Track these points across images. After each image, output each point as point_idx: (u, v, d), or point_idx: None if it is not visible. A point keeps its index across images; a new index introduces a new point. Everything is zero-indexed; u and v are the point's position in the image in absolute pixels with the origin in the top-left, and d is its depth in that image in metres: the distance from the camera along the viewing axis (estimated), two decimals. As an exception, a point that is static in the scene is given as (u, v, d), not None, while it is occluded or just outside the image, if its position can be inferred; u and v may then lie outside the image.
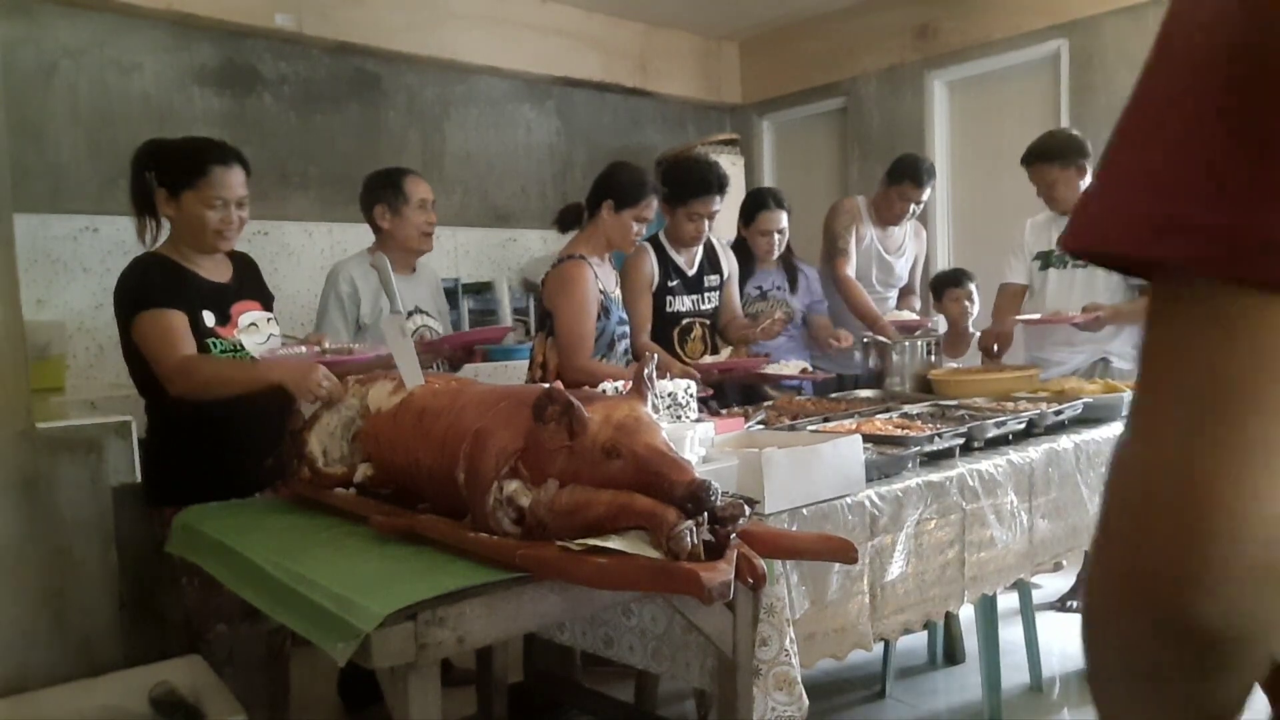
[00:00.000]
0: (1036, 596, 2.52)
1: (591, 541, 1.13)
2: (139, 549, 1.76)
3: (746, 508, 1.17)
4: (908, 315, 3.10)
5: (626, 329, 2.56)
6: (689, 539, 1.09)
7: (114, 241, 3.25)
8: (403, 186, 2.46)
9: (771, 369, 2.73)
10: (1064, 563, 2.94)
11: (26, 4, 3.14)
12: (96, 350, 3.26)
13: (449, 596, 1.07)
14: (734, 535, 1.15)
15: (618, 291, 2.55)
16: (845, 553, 1.27)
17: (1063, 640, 2.63)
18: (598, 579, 1.10)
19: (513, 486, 1.20)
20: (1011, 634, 2.46)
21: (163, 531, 1.69)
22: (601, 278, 2.45)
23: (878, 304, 3.19)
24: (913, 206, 3.24)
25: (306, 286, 3.60)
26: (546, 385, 1.20)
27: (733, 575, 1.10)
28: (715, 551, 1.11)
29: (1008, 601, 2.41)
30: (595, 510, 1.14)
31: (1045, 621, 2.59)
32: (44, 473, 1.56)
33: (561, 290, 2.39)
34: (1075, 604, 3.05)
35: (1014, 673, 2.39)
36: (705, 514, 1.11)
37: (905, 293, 3.44)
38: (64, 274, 3.22)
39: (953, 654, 2.68)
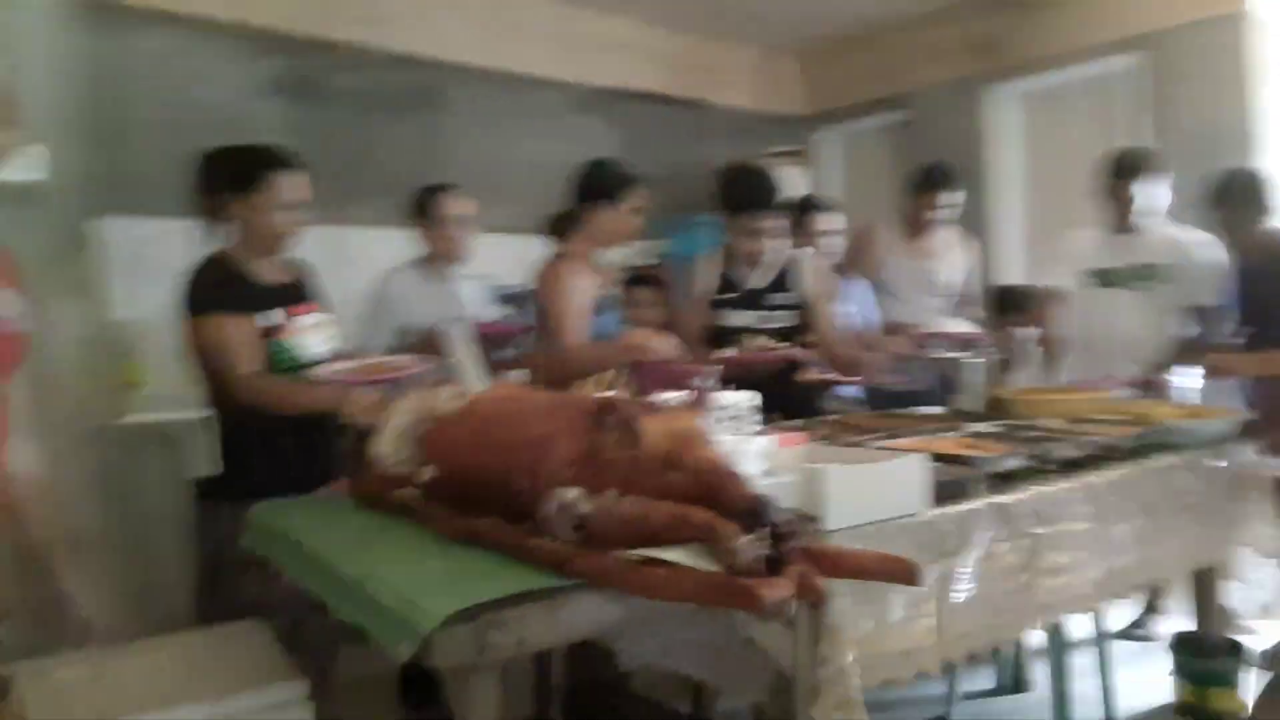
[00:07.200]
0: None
1: (649, 552, 1.12)
2: (215, 541, 1.82)
3: (807, 524, 1.15)
4: (962, 326, 2.92)
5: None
6: (747, 554, 1.08)
7: (193, 243, 3.38)
8: (435, 205, 2.48)
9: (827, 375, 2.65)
10: (1146, 595, 2.84)
11: (111, 18, 3.30)
12: (175, 349, 3.39)
13: (509, 600, 1.08)
14: (793, 551, 1.13)
15: (611, 290, 2.52)
16: (908, 574, 1.24)
17: (1133, 669, 2.53)
18: (654, 589, 1.10)
19: (572, 494, 1.21)
20: (1079, 661, 2.36)
21: (229, 526, 1.75)
22: (592, 276, 2.45)
23: (922, 315, 3.11)
24: (939, 211, 3.19)
25: (365, 292, 3.70)
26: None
27: (791, 592, 1.09)
28: (774, 567, 1.10)
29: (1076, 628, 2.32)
30: (654, 521, 1.14)
31: (1115, 649, 2.49)
32: (125, 466, 1.62)
33: (547, 285, 2.40)
34: (1144, 630, 2.92)
35: (1081, 705, 2.29)
36: (765, 529, 1.10)
37: (964, 302, 3.36)
38: (146, 275, 3.36)
39: (1019, 680, 2.60)
